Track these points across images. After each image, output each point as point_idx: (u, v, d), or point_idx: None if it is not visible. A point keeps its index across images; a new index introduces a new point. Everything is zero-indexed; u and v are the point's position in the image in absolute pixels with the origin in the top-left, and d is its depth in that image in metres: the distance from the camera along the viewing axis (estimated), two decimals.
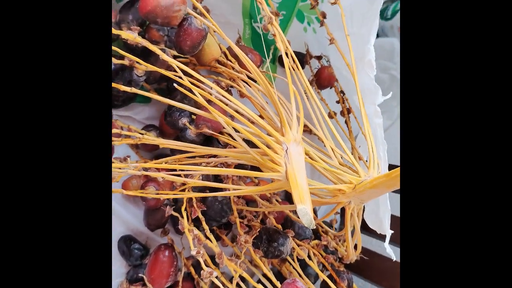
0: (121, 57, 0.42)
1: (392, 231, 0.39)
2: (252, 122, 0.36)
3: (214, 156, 0.42)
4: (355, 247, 0.45)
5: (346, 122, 0.52)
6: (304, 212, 0.30)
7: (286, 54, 0.39)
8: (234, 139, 0.41)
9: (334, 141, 0.40)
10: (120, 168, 0.38)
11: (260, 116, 0.41)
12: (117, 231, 0.48)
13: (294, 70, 0.41)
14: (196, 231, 0.38)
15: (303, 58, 0.55)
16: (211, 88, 0.37)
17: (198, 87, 0.36)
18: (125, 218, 0.48)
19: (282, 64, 0.58)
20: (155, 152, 0.51)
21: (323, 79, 0.53)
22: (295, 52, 0.55)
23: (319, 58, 0.55)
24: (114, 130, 0.40)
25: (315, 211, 0.57)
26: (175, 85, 0.34)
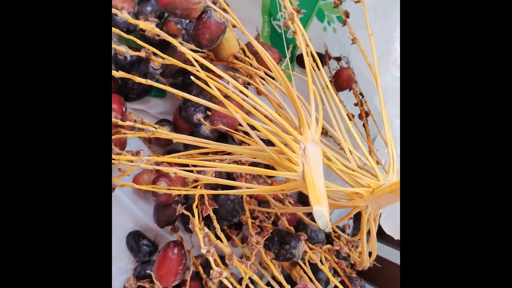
0: (138, 49, 0.41)
1: None
2: (270, 120, 0.35)
3: (228, 153, 0.41)
4: (369, 253, 0.43)
5: (364, 125, 0.50)
6: (321, 214, 0.29)
7: (306, 52, 0.38)
8: (249, 137, 0.40)
9: (351, 144, 0.39)
10: (131, 161, 0.38)
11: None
12: (126, 226, 0.48)
13: (313, 69, 0.40)
14: (207, 230, 0.37)
15: (322, 59, 0.54)
16: (228, 83, 0.36)
17: (215, 81, 0.35)
18: (134, 214, 0.48)
19: (299, 64, 0.57)
20: (168, 148, 0.50)
21: (341, 81, 0.52)
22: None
23: (338, 59, 0.54)
24: (127, 123, 0.39)
25: None
26: (192, 78, 0.33)
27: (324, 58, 0.54)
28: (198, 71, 0.34)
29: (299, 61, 0.56)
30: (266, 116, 0.34)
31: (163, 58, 0.39)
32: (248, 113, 0.35)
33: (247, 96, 0.35)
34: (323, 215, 0.29)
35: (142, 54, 0.40)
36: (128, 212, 0.47)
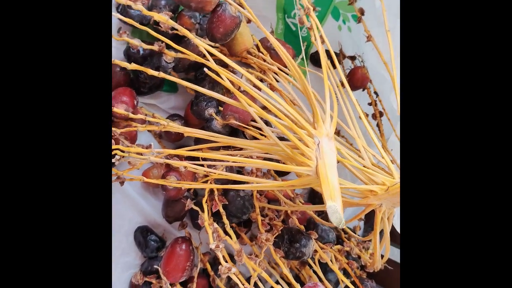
0: (150, 43, 0.41)
1: None
2: (284, 114, 0.34)
3: (239, 149, 0.40)
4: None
5: (378, 125, 0.50)
6: (334, 209, 0.28)
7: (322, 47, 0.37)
8: (261, 133, 0.40)
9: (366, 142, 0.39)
10: (141, 154, 0.37)
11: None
12: (135, 221, 0.47)
13: (328, 66, 0.40)
14: (216, 225, 0.37)
15: (336, 58, 0.53)
16: (242, 77, 0.35)
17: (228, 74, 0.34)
18: (143, 209, 0.47)
19: (313, 62, 0.56)
20: (178, 143, 0.49)
21: (356, 80, 0.51)
22: (328, 51, 0.54)
23: (352, 58, 0.53)
24: (138, 116, 0.39)
25: None
26: (205, 69, 0.33)
27: (338, 57, 0.53)
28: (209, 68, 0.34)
29: (313, 59, 0.56)
30: (280, 111, 0.34)
31: (176, 52, 0.39)
32: (261, 107, 0.35)
33: (260, 90, 0.35)
34: (336, 210, 0.28)
35: (155, 47, 0.40)
36: (136, 207, 0.47)
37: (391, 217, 0.36)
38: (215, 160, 0.37)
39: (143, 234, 0.46)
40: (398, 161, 0.42)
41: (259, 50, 0.44)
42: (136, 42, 0.41)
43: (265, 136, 0.39)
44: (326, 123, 0.32)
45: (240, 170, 0.45)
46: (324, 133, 0.32)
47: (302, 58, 0.55)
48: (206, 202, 0.39)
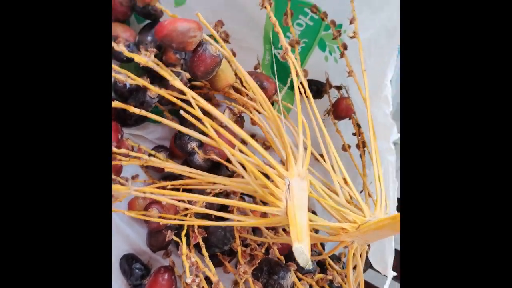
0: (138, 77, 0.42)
1: (395, 273, 0.38)
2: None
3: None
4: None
5: (360, 156, 0.50)
6: (300, 251, 0.29)
7: (302, 84, 0.38)
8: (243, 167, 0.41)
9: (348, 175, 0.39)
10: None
11: (269, 147, 0.40)
12: (120, 249, 0.48)
13: (309, 99, 0.41)
14: (194, 258, 0.38)
15: (322, 88, 0.55)
16: (224, 111, 0.36)
17: (208, 113, 0.36)
18: (129, 236, 0.48)
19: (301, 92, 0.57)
20: (164, 173, 0.50)
21: (340, 110, 0.52)
22: (315, 81, 0.55)
23: (338, 88, 0.54)
24: (122, 150, 0.40)
25: (322, 245, 0.56)
26: (181, 112, 0.34)
27: (324, 87, 0.55)
28: (190, 104, 0.35)
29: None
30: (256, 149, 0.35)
31: (160, 87, 0.40)
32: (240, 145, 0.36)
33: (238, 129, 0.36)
34: (303, 252, 0.29)
35: (140, 82, 0.41)
36: (122, 235, 0.48)
37: (363, 253, 0.37)
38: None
39: (128, 262, 0.47)
40: (374, 196, 0.43)
41: (242, 85, 0.45)
42: (122, 77, 0.42)
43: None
44: (298, 163, 0.34)
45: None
46: (295, 174, 0.33)
47: (289, 88, 0.56)
48: (185, 235, 0.40)
